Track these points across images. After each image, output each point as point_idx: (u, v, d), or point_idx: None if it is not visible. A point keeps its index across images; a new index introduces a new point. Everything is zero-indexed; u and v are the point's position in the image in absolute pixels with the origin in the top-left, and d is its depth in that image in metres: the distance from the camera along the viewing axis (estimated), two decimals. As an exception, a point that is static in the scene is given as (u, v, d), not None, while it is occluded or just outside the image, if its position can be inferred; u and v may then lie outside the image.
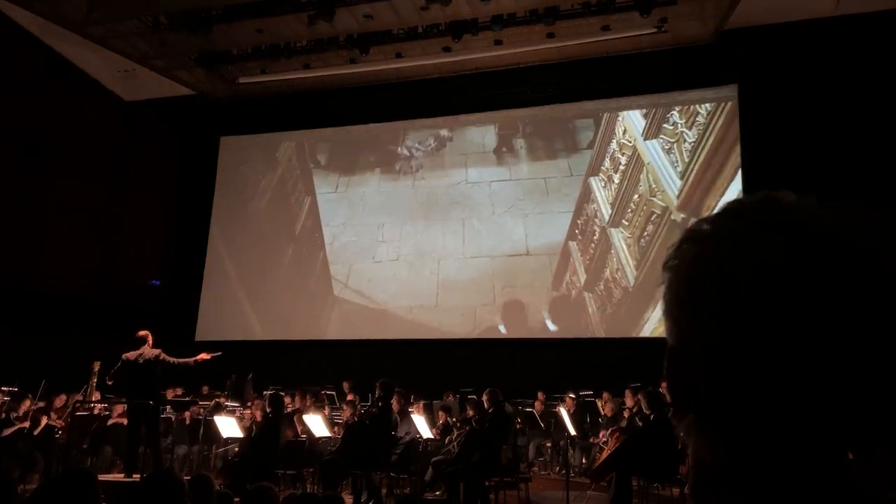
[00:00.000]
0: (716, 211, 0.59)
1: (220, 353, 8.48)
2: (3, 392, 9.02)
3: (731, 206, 0.58)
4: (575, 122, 13.84)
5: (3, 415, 8.49)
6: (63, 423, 9.08)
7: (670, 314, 0.57)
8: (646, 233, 12.66)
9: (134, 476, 7.54)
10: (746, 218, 0.55)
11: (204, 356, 8.33)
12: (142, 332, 8.19)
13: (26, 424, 8.51)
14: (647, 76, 12.93)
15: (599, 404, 9.90)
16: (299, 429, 8.67)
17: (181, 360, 8.13)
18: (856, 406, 0.50)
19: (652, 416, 6.91)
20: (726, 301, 0.52)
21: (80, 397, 9.73)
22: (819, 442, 0.50)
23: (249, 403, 10.43)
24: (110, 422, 9.51)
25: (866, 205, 0.55)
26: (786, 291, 0.50)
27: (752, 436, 0.52)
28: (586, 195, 13.30)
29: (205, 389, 11.64)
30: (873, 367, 0.50)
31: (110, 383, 8.19)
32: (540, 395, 10.77)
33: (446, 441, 8.39)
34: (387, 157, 14.95)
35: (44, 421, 8.90)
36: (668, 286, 0.58)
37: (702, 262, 0.55)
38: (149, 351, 8.02)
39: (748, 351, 0.51)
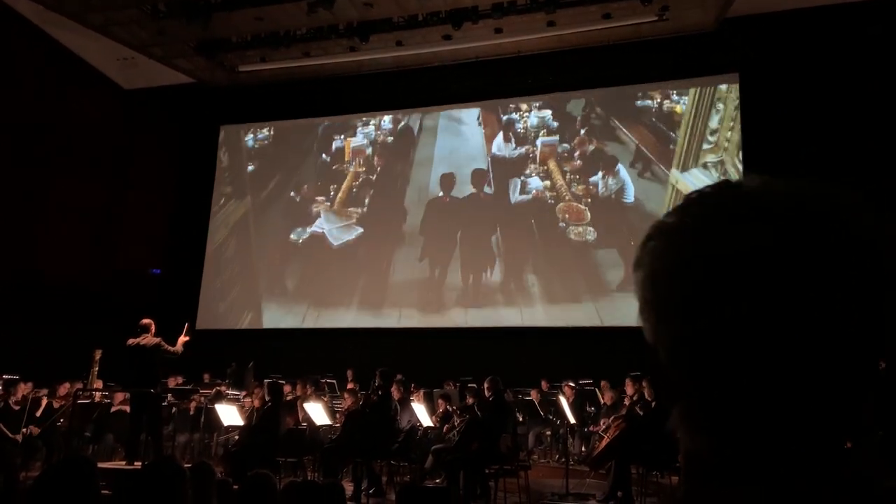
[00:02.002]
0: (678, 203, 0.58)
1: (187, 328, 8.55)
2: (4, 380, 9.04)
3: (692, 198, 0.58)
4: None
5: (2, 402, 8.51)
6: (62, 404, 9.11)
7: (649, 311, 0.57)
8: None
9: (135, 463, 7.58)
10: (707, 209, 0.55)
11: (182, 339, 8.36)
12: (145, 321, 8.21)
13: (18, 437, 8.44)
14: (648, 65, 12.88)
15: (599, 393, 9.92)
16: (300, 416, 8.70)
17: (172, 349, 8.16)
18: (844, 395, 0.50)
19: (654, 404, 6.94)
20: (694, 298, 0.52)
21: (80, 385, 9.75)
22: (805, 430, 0.50)
23: (247, 392, 10.47)
24: (112, 409, 9.55)
25: (864, 192, 0.55)
26: (750, 283, 0.50)
27: (738, 427, 0.52)
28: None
29: (206, 378, 11.67)
30: (850, 355, 0.50)
31: None
32: (543, 384, 10.80)
33: (444, 430, 8.42)
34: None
35: (44, 402, 8.93)
36: (640, 284, 0.57)
37: (669, 259, 0.55)
38: (149, 339, 8.05)
39: (721, 345, 0.51)
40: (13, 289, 12.11)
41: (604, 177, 13.22)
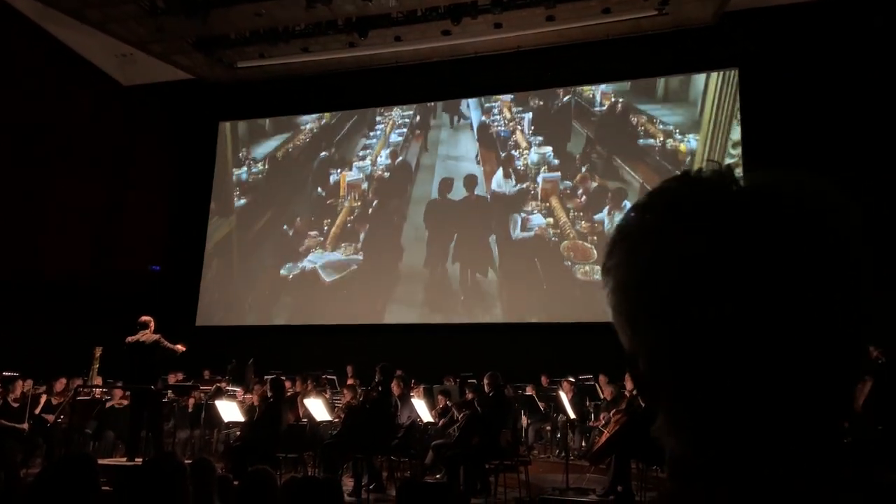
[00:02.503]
0: (639, 200, 0.56)
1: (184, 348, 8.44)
2: (4, 377, 9.05)
3: (653, 195, 0.56)
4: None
5: (1, 399, 8.52)
6: (60, 401, 9.12)
7: (618, 324, 0.56)
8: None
9: (136, 460, 7.58)
10: (666, 207, 0.53)
11: (180, 348, 8.32)
12: (144, 318, 8.21)
13: (24, 426, 8.45)
14: (648, 59, 12.86)
15: (599, 388, 9.93)
16: (300, 412, 8.71)
17: (172, 346, 8.16)
18: (826, 393, 0.49)
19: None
20: (666, 303, 0.51)
21: (80, 382, 9.76)
22: (788, 428, 0.50)
23: (247, 388, 10.48)
24: (109, 404, 9.55)
25: (863, 185, 0.54)
26: (712, 282, 0.49)
27: (721, 429, 0.51)
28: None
29: (206, 374, 11.68)
30: (829, 353, 0.49)
31: None
32: (543, 379, 10.82)
33: (440, 423, 8.43)
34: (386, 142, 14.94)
35: (43, 399, 8.94)
36: (611, 294, 0.56)
37: (637, 265, 0.53)
38: (148, 336, 8.05)
39: (697, 349, 0.50)
40: (13, 287, 12.11)
41: (610, 213, 12.87)
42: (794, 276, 0.48)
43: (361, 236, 14.38)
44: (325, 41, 13.61)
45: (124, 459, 7.92)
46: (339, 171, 14.89)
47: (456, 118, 14.48)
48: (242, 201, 15.49)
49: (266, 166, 15.52)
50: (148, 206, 15.52)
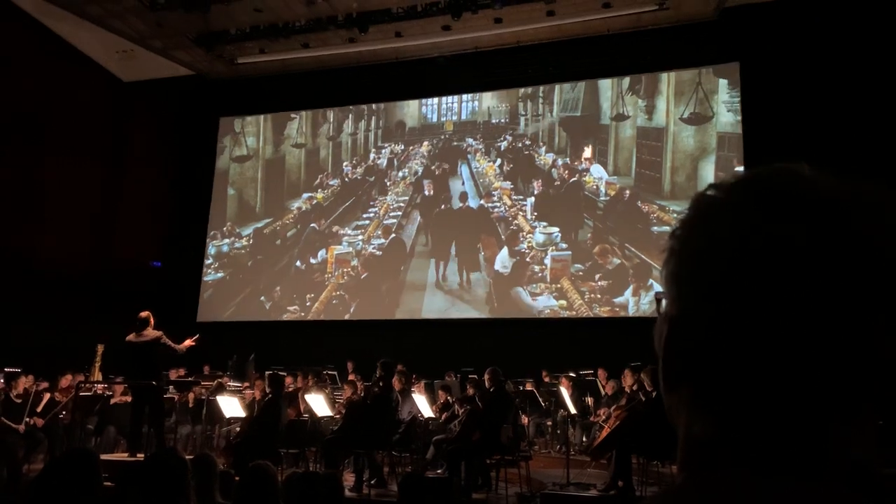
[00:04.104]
0: (729, 180, 0.57)
1: (197, 337, 8.59)
2: (6, 373, 9.06)
3: (748, 177, 0.56)
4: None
5: (3, 395, 8.53)
6: (64, 399, 9.13)
7: (674, 284, 0.56)
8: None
9: (138, 455, 7.61)
10: (765, 190, 0.54)
11: (188, 342, 8.39)
12: (143, 314, 8.22)
13: (20, 427, 8.45)
14: (648, 55, 12.84)
15: (600, 383, 9.94)
16: (301, 408, 8.72)
17: (174, 346, 8.19)
18: (862, 384, 0.50)
19: (654, 394, 6.94)
20: (737, 276, 0.51)
21: (81, 378, 9.77)
22: (820, 417, 0.50)
23: (248, 384, 10.49)
24: (113, 401, 9.57)
25: (875, 181, 0.55)
26: (804, 271, 0.50)
27: (749, 410, 0.51)
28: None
29: (206, 370, 11.69)
30: (883, 345, 0.49)
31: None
32: (544, 375, 10.82)
33: (441, 419, 8.45)
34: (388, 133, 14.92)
35: (46, 397, 8.95)
36: (674, 255, 0.57)
37: (715, 234, 0.54)
38: (150, 332, 8.05)
39: (756, 327, 0.50)
40: (14, 283, 12.11)
41: (635, 293, 12.05)
42: (873, 289, 0.49)
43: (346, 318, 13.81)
44: (326, 37, 13.59)
45: (126, 455, 7.94)
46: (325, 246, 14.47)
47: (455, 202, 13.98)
48: (220, 274, 15.14)
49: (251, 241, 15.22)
50: (148, 201, 15.52)
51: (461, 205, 13.92)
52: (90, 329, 11.58)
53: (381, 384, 7.70)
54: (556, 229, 13.00)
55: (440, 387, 9.41)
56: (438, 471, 7.33)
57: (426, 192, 14.24)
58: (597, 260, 12.55)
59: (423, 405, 8.02)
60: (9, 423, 8.17)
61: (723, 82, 12.59)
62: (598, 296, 12.34)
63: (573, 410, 8.46)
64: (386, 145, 14.80)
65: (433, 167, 14.33)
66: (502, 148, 13.93)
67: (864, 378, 0.49)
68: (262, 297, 14.54)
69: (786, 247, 0.50)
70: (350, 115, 15.20)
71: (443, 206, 14.04)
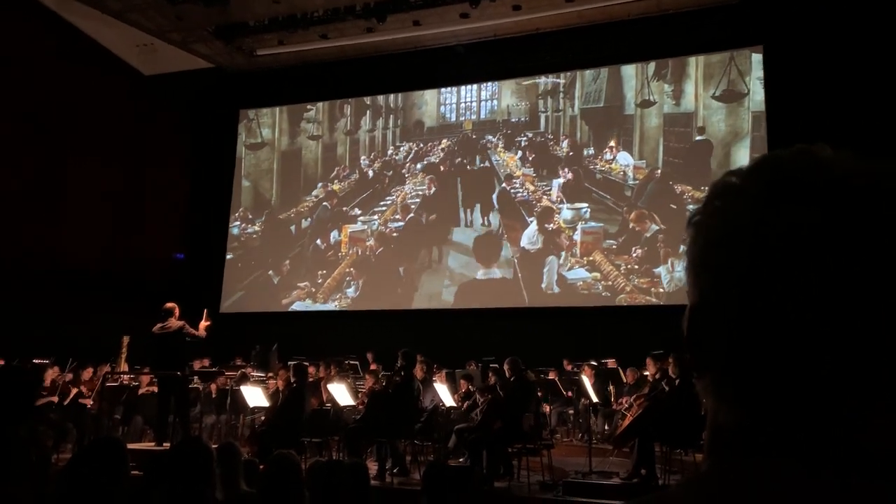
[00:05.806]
0: (747, 165, 0.56)
1: (206, 312, 8.71)
2: (35, 365, 9.22)
3: (765, 161, 0.55)
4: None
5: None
6: (90, 394, 9.28)
7: (694, 271, 0.56)
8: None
9: (164, 444, 7.72)
10: (781, 174, 0.53)
11: (204, 323, 8.50)
12: (168, 305, 8.33)
13: (54, 399, 8.67)
14: (670, 39, 12.67)
15: (622, 372, 9.90)
16: (324, 397, 8.78)
17: (195, 332, 8.30)
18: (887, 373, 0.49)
19: (677, 381, 6.90)
20: (754, 263, 0.50)
21: (107, 369, 9.92)
22: (844, 405, 0.49)
23: (271, 374, 10.58)
24: (140, 391, 9.73)
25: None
26: (822, 255, 0.49)
27: (774, 398, 0.50)
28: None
29: (237, 361, 11.78)
30: None
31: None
32: (566, 364, 10.80)
33: (463, 407, 8.47)
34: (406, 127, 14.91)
35: (73, 391, 9.11)
36: (694, 242, 0.56)
37: (733, 220, 0.53)
38: (174, 323, 8.16)
39: (775, 315, 0.50)
40: (41, 280, 12.28)
41: (670, 266, 11.78)
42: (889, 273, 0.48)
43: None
44: (344, 27, 13.58)
45: (153, 444, 8.07)
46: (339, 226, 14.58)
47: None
48: (229, 256, 15.35)
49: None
50: (170, 193, 15.66)
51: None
52: (115, 323, 11.74)
53: (402, 373, 7.74)
54: (584, 204, 12.87)
55: (461, 376, 9.43)
56: (460, 459, 7.36)
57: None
58: (634, 228, 12.33)
59: (444, 394, 8.04)
60: (43, 409, 8.32)
61: (756, 58, 12.27)
62: (636, 266, 12.16)
63: (595, 399, 8.44)
64: (404, 144, 14.78)
65: (455, 161, 14.26)
66: (523, 143, 13.80)
67: (890, 366, 0.48)
68: (271, 272, 14.73)
69: (801, 232, 0.49)
70: (368, 112, 15.16)
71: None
